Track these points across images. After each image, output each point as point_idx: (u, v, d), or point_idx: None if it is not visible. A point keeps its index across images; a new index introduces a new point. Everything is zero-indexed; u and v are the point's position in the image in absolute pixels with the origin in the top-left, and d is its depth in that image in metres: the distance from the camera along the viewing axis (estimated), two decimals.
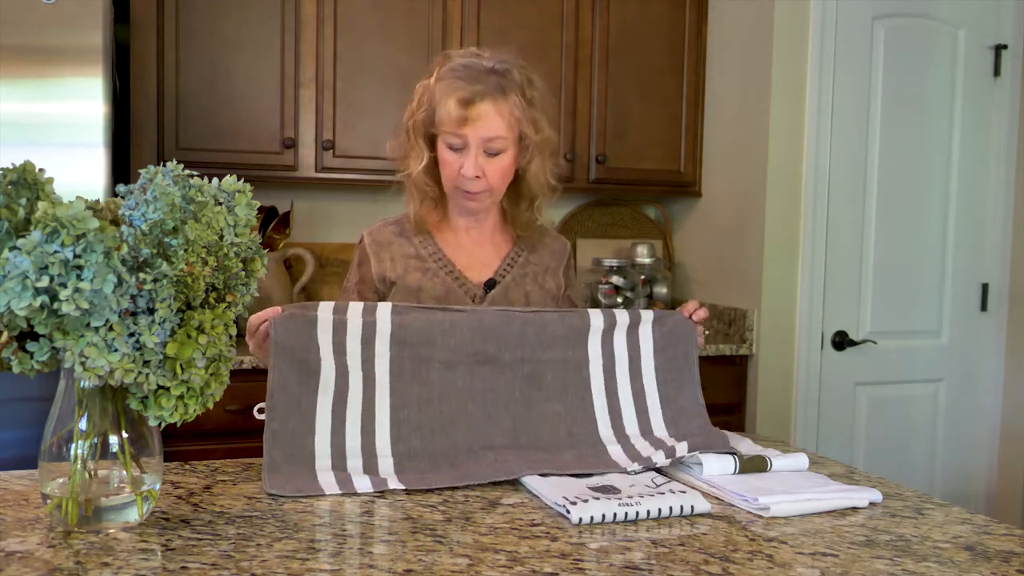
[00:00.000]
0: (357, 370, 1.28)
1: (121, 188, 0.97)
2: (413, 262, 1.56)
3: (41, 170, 0.93)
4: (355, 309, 1.31)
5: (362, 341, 1.30)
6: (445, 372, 1.32)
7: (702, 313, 1.46)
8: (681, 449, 1.29)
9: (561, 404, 1.37)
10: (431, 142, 1.53)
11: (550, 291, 1.63)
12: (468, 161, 1.47)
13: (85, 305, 0.84)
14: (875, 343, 2.82)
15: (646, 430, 1.39)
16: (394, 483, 1.18)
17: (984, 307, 2.98)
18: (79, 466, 0.97)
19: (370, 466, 1.23)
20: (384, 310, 1.32)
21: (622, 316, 1.43)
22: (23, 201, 0.91)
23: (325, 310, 1.29)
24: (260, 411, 1.26)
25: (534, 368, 1.37)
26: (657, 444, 1.34)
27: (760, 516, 1.12)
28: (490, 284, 1.57)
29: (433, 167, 1.54)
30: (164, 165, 0.97)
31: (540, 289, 1.61)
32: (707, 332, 1.51)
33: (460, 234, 1.61)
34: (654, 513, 1.09)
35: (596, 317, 1.42)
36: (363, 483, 1.18)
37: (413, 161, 1.54)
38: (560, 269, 1.67)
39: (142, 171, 0.97)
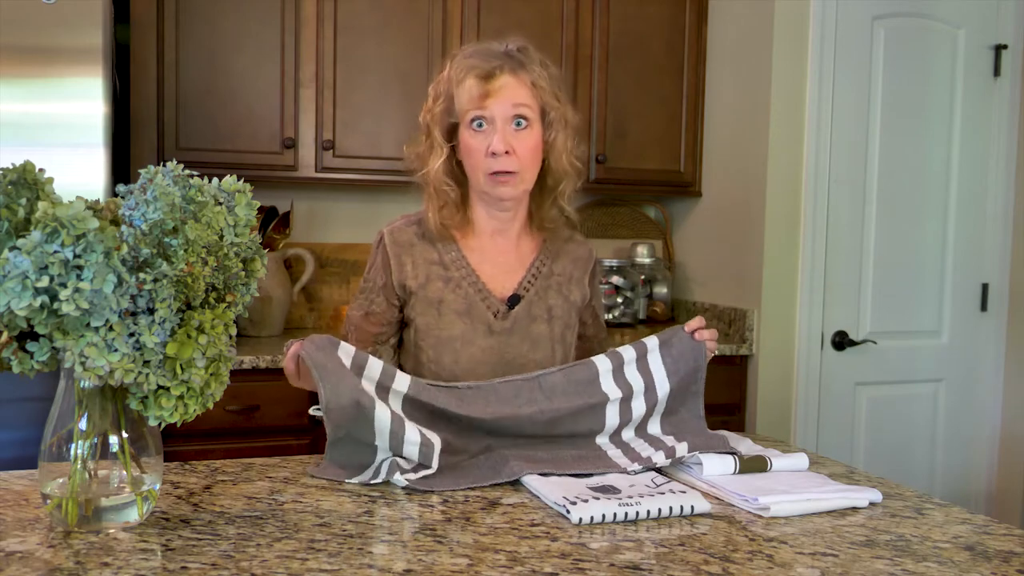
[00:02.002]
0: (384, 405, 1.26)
1: (121, 188, 0.97)
2: (436, 269, 1.50)
3: (41, 170, 0.93)
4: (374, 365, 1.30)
5: (377, 387, 1.28)
6: (459, 416, 1.31)
7: (706, 334, 1.41)
8: (681, 449, 1.29)
9: (572, 444, 1.35)
10: (450, 136, 1.47)
11: (575, 303, 1.57)
12: (496, 136, 1.41)
13: (85, 305, 0.84)
14: (875, 343, 2.82)
15: (641, 435, 1.40)
16: (397, 476, 1.19)
17: (984, 307, 2.99)
18: (79, 466, 0.97)
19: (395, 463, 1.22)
20: (403, 381, 1.31)
21: (628, 352, 1.39)
22: (23, 201, 0.91)
23: (345, 350, 1.27)
24: (317, 410, 1.23)
25: (554, 416, 1.33)
26: (656, 444, 1.34)
27: (760, 516, 1.12)
28: (513, 301, 1.50)
29: (452, 165, 1.48)
30: (164, 165, 0.97)
31: (564, 301, 1.55)
32: (715, 352, 1.47)
33: (485, 240, 1.53)
34: (654, 513, 1.09)
35: (603, 362, 1.38)
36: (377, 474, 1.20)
37: (432, 159, 1.48)
38: (585, 278, 1.60)
39: (142, 171, 0.97)
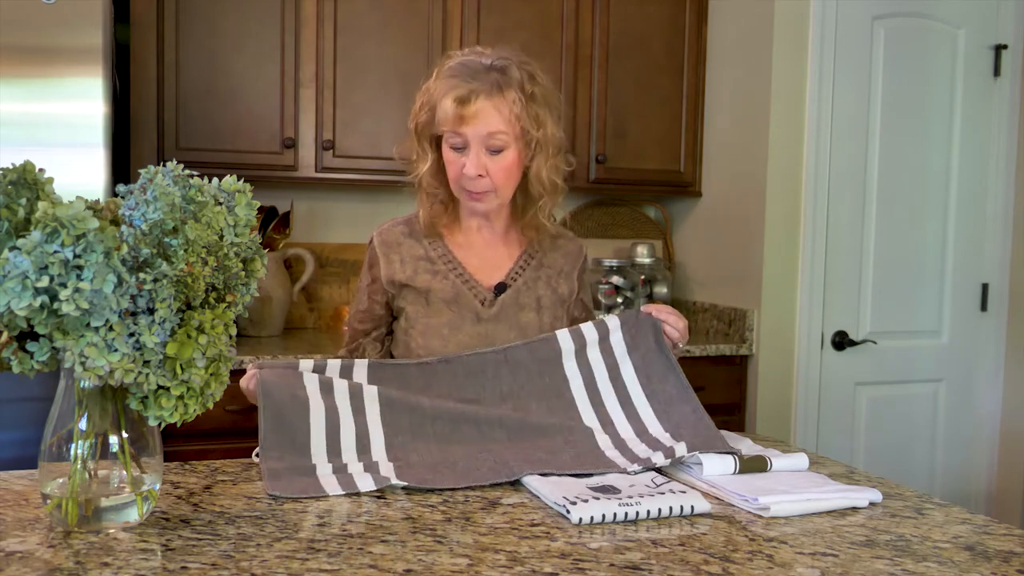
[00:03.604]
0: (347, 407, 1.31)
1: (121, 188, 0.97)
2: (423, 263, 1.54)
3: (41, 170, 0.94)
4: (333, 364, 1.37)
5: (349, 389, 1.33)
6: (435, 401, 1.35)
7: (664, 315, 1.46)
8: (680, 450, 1.29)
9: (553, 421, 1.38)
10: (435, 144, 1.51)
11: (562, 295, 1.60)
12: (470, 160, 1.45)
13: (85, 305, 0.84)
14: (875, 343, 2.82)
15: (641, 431, 1.39)
16: (395, 479, 1.19)
17: (984, 307, 2.99)
18: (79, 466, 0.97)
19: (371, 468, 1.23)
20: (360, 367, 1.37)
21: (590, 333, 1.44)
22: (23, 201, 0.91)
23: (306, 364, 1.34)
24: (256, 455, 1.27)
25: (518, 403, 1.38)
26: (655, 445, 1.34)
27: (760, 516, 1.12)
28: (500, 288, 1.54)
29: (439, 169, 1.52)
30: (164, 165, 0.97)
31: (553, 293, 1.59)
32: (680, 346, 1.49)
33: (472, 235, 1.58)
34: (654, 513, 1.09)
35: (565, 340, 1.43)
36: (365, 482, 1.18)
37: (419, 163, 1.53)
38: (574, 273, 1.64)
39: (142, 171, 0.97)
